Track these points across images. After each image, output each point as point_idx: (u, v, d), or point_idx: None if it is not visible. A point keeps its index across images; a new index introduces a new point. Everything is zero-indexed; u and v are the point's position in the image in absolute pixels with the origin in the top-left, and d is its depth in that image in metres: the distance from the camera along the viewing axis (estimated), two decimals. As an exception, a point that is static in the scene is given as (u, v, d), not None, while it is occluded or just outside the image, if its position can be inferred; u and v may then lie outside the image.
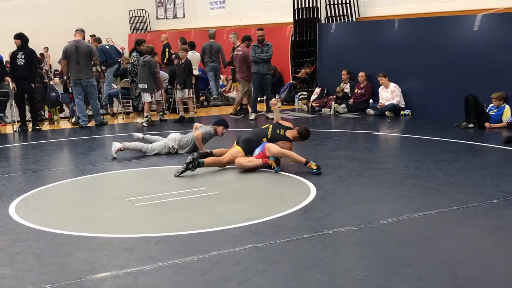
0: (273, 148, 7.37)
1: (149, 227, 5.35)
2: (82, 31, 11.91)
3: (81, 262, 4.52)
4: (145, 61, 11.42)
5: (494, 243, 4.80)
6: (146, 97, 11.55)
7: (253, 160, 7.38)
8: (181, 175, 7.17)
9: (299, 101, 13.63)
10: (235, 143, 7.78)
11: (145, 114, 11.63)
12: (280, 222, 5.35)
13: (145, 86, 11.49)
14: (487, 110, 10.20)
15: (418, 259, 4.42)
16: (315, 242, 4.83)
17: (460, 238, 4.86)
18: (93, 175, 7.50)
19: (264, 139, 7.72)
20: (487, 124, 10.01)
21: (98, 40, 15.24)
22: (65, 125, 12.15)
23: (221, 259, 4.47)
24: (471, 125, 10.06)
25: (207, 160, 7.42)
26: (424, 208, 5.67)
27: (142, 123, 11.68)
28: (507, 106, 10.04)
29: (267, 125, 7.99)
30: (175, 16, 22.77)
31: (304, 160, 7.23)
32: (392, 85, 11.92)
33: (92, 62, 11.65)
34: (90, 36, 20.39)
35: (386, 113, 11.80)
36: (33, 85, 11.16)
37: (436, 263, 4.35)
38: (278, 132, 7.76)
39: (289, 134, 7.73)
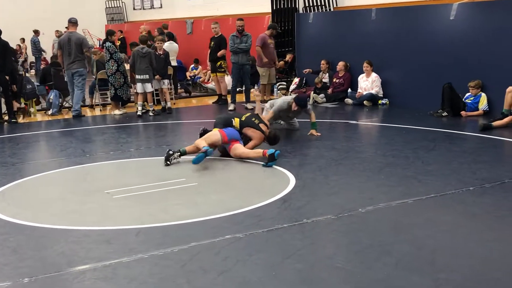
0: (238, 150, 7.38)
1: (128, 219, 5.32)
2: (75, 22, 11.89)
3: (59, 255, 4.49)
4: (144, 53, 11.36)
5: (471, 230, 4.86)
6: (148, 88, 11.49)
7: (257, 151, 7.33)
8: (170, 160, 7.32)
9: (278, 91, 13.63)
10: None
11: (138, 103, 11.59)
12: (259, 212, 5.36)
13: (147, 77, 11.41)
14: (463, 99, 10.30)
15: (396, 247, 4.46)
16: (294, 232, 4.85)
17: (438, 225, 4.92)
18: (70, 168, 7.43)
19: (237, 120, 7.73)
20: (463, 113, 10.11)
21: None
22: (42, 117, 12.02)
23: (201, 250, 4.47)
24: (445, 113, 10.15)
25: (189, 147, 7.53)
26: (402, 196, 5.72)
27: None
28: (483, 94, 10.15)
29: (248, 113, 8.01)
30: (152, 7, 22.58)
31: (261, 152, 7.22)
32: (374, 75, 11.98)
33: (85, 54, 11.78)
34: (66, 28, 20.15)
35: (365, 102, 11.85)
36: (7, 77, 10.99)
37: (414, 250, 4.39)
38: (253, 119, 7.77)
39: (263, 127, 7.73)
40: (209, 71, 15.14)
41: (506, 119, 9.12)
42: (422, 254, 4.33)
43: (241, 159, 7.39)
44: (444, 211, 5.32)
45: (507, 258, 4.22)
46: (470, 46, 10.46)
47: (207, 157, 7.33)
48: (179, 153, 7.47)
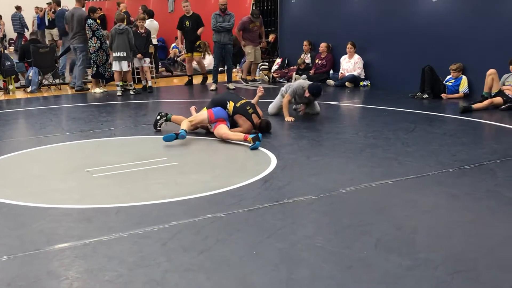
0: (220, 130, 7.36)
1: (108, 198, 5.30)
2: None
3: (38, 233, 4.45)
4: (121, 29, 11.19)
5: (450, 211, 4.91)
6: (124, 66, 11.32)
7: (237, 135, 7.30)
8: (159, 125, 7.89)
9: (260, 72, 13.59)
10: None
11: (116, 83, 11.45)
12: (240, 192, 5.36)
13: (124, 54, 11.25)
14: (444, 81, 10.36)
15: (376, 227, 4.49)
16: (275, 211, 4.86)
17: (417, 206, 4.96)
18: (50, 146, 7.36)
19: (232, 104, 7.69)
20: (444, 95, 10.18)
21: (58, 3, 14.88)
22: (21, 95, 11.86)
23: (182, 229, 4.46)
24: (425, 96, 10.21)
25: (175, 116, 8.02)
26: (382, 177, 5.76)
27: (101, 92, 11.53)
28: (464, 77, 10.22)
29: (245, 99, 7.96)
30: (133, -16, 22.25)
31: (242, 136, 7.21)
32: (356, 56, 11.98)
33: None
34: (47, 4, 19.87)
35: (346, 84, 11.87)
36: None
37: (393, 230, 4.43)
38: (247, 108, 7.73)
39: (254, 118, 7.68)
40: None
41: (486, 102, 9.20)
42: (401, 234, 4.37)
43: (223, 139, 7.37)
44: (423, 192, 5.36)
45: (485, 239, 4.27)
46: (451, 28, 10.50)
47: (188, 136, 7.31)
48: (165, 118, 7.99)
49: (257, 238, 4.29)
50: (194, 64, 14.45)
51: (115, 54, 11.26)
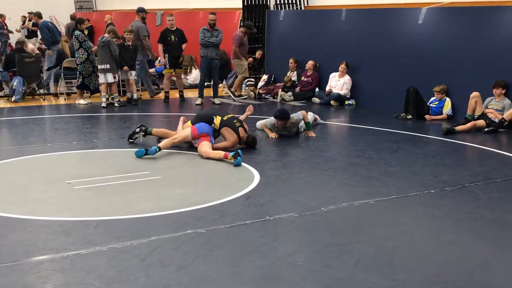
0: (202, 148, 7.32)
1: (88, 211, 5.25)
2: (138, 12, 12.50)
3: (16, 245, 4.40)
4: (103, 41, 11.17)
5: (430, 232, 4.92)
6: (109, 78, 11.27)
7: (218, 153, 7.27)
8: (134, 138, 7.87)
9: (246, 88, 13.61)
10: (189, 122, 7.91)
11: (102, 94, 11.39)
12: (222, 208, 5.34)
13: (107, 66, 11.20)
14: (428, 103, 10.44)
15: (357, 246, 4.49)
16: (256, 228, 4.85)
17: (398, 226, 4.97)
18: (32, 156, 7.29)
19: (219, 118, 7.68)
20: (427, 116, 10.25)
21: (39, 15, 14.82)
22: (5, 104, 11.77)
23: (161, 244, 4.43)
24: (409, 116, 10.28)
25: (156, 130, 8.01)
26: (364, 196, 5.77)
27: (86, 104, 11.48)
28: (448, 99, 10.31)
29: (231, 114, 7.96)
30: (122, -4, 22.29)
31: (222, 154, 7.18)
32: (347, 77, 12.05)
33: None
34: (28, 13, 19.84)
35: (331, 102, 11.92)
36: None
37: (374, 250, 4.43)
38: (234, 121, 7.73)
39: (241, 132, 7.67)
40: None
41: (469, 124, 9.28)
42: (381, 254, 4.38)
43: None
44: (404, 213, 5.38)
45: (464, 261, 4.29)
46: (436, 50, 10.60)
47: (172, 151, 7.29)
48: (143, 134, 7.96)
49: (237, 255, 4.27)
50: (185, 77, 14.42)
51: (99, 67, 11.24)
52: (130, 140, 7.90)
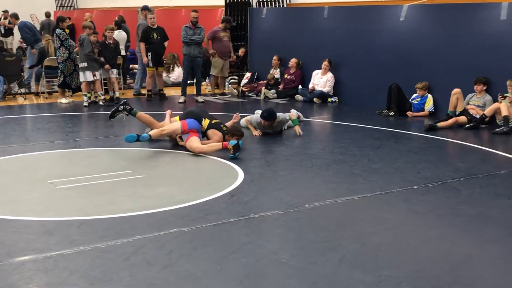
0: (193, 143, 7.28)
1: (71, 210, 5.21)
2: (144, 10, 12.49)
3: (-2, 246, 4.35)
4: (79, 40, 11.12)
5: (414, 228, 4.96)
6: (88, 76, 11.18)
7: (213, 145, 7.28)
8: (115, 116, 7.53)
9: (229, 85, 13.60)
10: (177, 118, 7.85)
11: (83, 93, 11.33)
12: (207, 206, 5.33)
13: (84, 64, 11.13)
14: (410, 99, 10.50)
15: (341, 243, 4.51)
16: (241, 226, 4.84)
17: (382, 223, 5.00)
18: (13, 156, 7.22)
19: (207, 121, 7.69)
20: (409, 113, 10.32)
21: (16, 16, 14.68)
22: (-15, 103, 11.64)
23: (146, 243, 4.41)
24: (391, 113, 10.34)
25: (141, 113, 7.73)
26: (348, 193, 5.79)
27: (67, 103, 11.39)
28: (429, 96, 10.38)
29: (219, 120, 7.94)
30: (103, -6, 22.14)
31: (220, 145, 7.20)
32: (330, 74, 12.08)
33: None
34: (3, 11, 19.61)
35: (314, 99, 11.95)
36: None
37: (358, 247, 4.45)
38: (221, 126, 7.72)
39: (226, 137, 7.61)
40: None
41: (450, 120, 9.35)
42: (366, 250, 4.40)
43: (192, 152, 7.31)
44: (388, 209, 5.41)
45: (448, 256, 4.32)
46: (418, 47, 10.67)
47: (155, 148, 7.26)
48: (127, 113, 7.60)
49: (222, 253, 4.27)
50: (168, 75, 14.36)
51: (80, 65, 11.19)
52: (111, 118, 7.57)
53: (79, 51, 11.17)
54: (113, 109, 7.62)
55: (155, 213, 5.12)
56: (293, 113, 9.40)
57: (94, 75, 11.23)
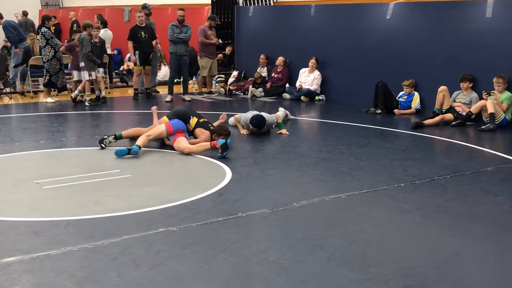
0: (181, 144, 7.28)
1: (58, 211, 5.17)
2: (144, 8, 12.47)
3: (-17, 247, 4.31)
4: (79, 39, 11.10)
5: (401, 225, 4.98)
6: (85, 76, 11.16)
7: (202, 145, 7.26)
8: (105, 143, 7.46)
9: (216, 84, 13.57)
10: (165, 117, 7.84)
11: (79, 89, 11.35)
12: (194, 205, 5.31)
13: (82, 64, 11.11)
14: (397, 97, 10.54)
15: (329, 241, 4.51)
16: (229, 225, 4.83)
17: (369, 220, 5.01)
18: (-2, 156, 7.16)
19: (195, 120, 7.68)
20: (396, 111, 10.36)
21: (0, 15, 14.56)
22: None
23: (133, 243, 4.39)
24: (378, 111, 10.38)
25: (125, 132, 7.77)
26: (336, 191, 5.80)
27: (53, 102, 11.32)
28: (416, 93, 10.43)
29: (207, 119, 7.91)
30: (89, -7, 22.00)
31: (208, 144, 7.20)
32: (317, 72, 12.10)
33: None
34: None
35: (302, 98, 11.97)
36: None
37: (346, 244, 4.46)
38: (209, 125, 7.72)
39: (214, 137, 7.57)
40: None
41: (437, 118, 9.41)
42: (354, 248, 4.40)
43: (179, 152, 7.30)
44: (375, 207, 5.42)
45: (435, 253, 4.34)
46: (404, 45, 10.72)
47: (142, 148, 7.22)
48: (113, 136, 7.58)
49: (210, 252, 4.25)
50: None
51: (80, 64, 11.28)
52: (102, 145, 7.46)
53: (79, 50, 11.14)
54: (100, 138, 7.58)
55: (143, 213, 5.09)
56: (281, 111, 9.40)
57: (90, 75, 11.19)
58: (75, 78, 11.22)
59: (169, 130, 7.44)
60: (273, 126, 8.85)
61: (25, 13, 18.33)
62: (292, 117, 9.88)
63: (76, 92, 11.34)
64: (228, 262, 4.09)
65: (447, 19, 10.16)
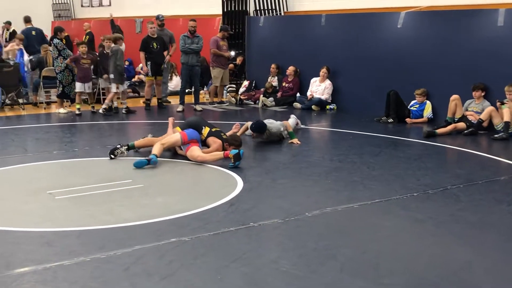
0: (194, 152, 7.31)
1: (70, 221, 5.18)
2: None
3: (-3, 257, 4.33)
4: (111, 51, 11.23)
5: (414, 235, 4.94)
6: (113, 88, 11.35)
7: (215, 154, 7.29)
8: (116, 154, 7.48)
9: (227, 94, 13.61)
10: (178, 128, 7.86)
11: (106, 102, 11.53)
12: (206, 215, 5.31)
13: (112, 76, 11.26)
14: (409, 106, 10.51)
15: (341, 251, 4.49)
16: (240, 235, 4.83)
17: (382, 230, 4.98)
18: (12, 167, 7.20)
19: (207, 129, 7.71)
20: (408, 120, 10.32)
21: (27, 20, 14.87)
22: (-17, 114, 11.63)
23: (145, 253, 4.39)
24: (390, 120, 10.34)
25: (138, 142, 7.76)
26: (348, 200, 5.78)
27: (66, 113, 11.41)
28: (428, 102, 10.39)
29: (219, 128, 7.95)
30: (100, 4, 22.20)
31: (222, 154, 7.21)
32: (328, 82, 12.10)
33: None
34: (5, 23, 19.72)
35: (313, 107, 11.96)
36: None
37: (358, 255, 4.44)
38: (221, 134, 7.74)
39: (226, 146, 7.58)
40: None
41: (449, 127, 9.36)
42: (366, 258, 4.38)
43: (191, 161, 7.31)
44: (388, 216, 5.39)
45: (448, 263, 4.31)
46: (416, 54, 10.69)
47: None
48: (126, 147, 7.59)
49: (222, 262, 4.25)
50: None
51: (110, 76, 11.45)
52: (112, 156, 7.48)
53: (110, 61, 11.27)
54: (112, 148, 7.61)
55: (154, 223, 5.10)
56: (292, 119, 9.40)
57: (117, 87, 11.37)
58: (77, 90, 11.31)
59: (184, 139, 7.47)
60: (286, 136, 8.82)
61: (27, 19, 18.54)
62: (302, 126, 9.87)
63: (105, 105, 11.50)
64: (240, 272, 4.08)
65: (458, 27, 10.13)
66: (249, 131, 8.78)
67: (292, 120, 9.48)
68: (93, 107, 11.66)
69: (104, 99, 12.14)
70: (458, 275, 4.10)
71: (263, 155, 7.94)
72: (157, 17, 12.77)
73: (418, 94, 10.39)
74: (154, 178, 6.73)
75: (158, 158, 7.17)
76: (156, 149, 7.29)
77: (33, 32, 14.57)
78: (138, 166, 6.99)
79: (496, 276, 4.12)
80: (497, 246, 4.68)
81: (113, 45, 11.36)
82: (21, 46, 13.32)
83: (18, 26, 17.35)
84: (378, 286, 3.88)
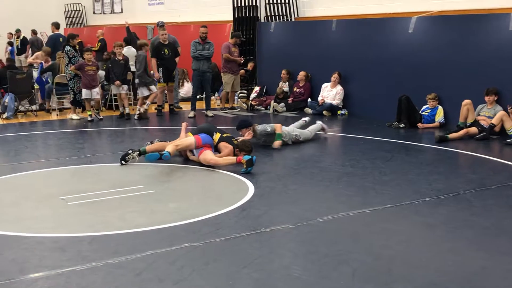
0: (207, 156, 7.35)
1: (83, 227, 5.21)
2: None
3: (10, 263, 4.36)
4: (136, 56, 11.63)
5: (426, 240, 4.92)
6: (144, 91, 11.77)
7: (228, 159, 7.33)
8: (127, 159, 7.52)
9: (239, 99, 13.63)
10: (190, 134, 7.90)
11: (137, 107, 11.84)
12: (217, 221, 5.32)
13: (137, 81, 11.73)
14: (420, 111, 10.47)
15: (353, 256, 4.48)
16: (252, 241, 4.83)
17: (394, 236, 4.97)
18: (25, 173, 7.26)
19: (218, 135, 7.75)
20: (420, 124, 10.28)
21: (56, 25, 15.18)
22: (-4, 121, 11.73)
23: (157, 259, 4.40)
24: (402, 125, 10.31)
25: (149, 147, 7.72)
26: (360, 206, 5.76)
27: (78, 119, 11.48)
28: (440, 107, 10.34)
29: (230, 134, 8.00)
30: (112, 11, 22.36)
31: (234, 159, 7.23)
32: (339, 87, 12.09)
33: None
34: (16, 31, 19.96)
35: (324, 112, 11.95)
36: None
37: (371, 260, 4.42)
38: (233, 139, 7.79)
39: (237, 151, 7.61)
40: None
41: (461, 132, 9.31)
42: (379, 264, 4.37)
43: (203, 166, 7.33)
44: (400, 222, 5.37)
45: (461, 268, 4.28)
46: (427, 59, 10.66)
47: (166, 164, 7.27)
48: (138, 152, 7.60)
49: (233, 268, 4.25)
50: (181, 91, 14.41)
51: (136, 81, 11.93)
52: (123, 162, 7.51)
53: (137, 66, 11.73)
54: (123, 153, 7.64)
55: (166, 228, 5.12)
56: (317, 124, 9.45)
57: (149, 90, 11.79)
58: (84, 97, 11.38)
59: (198, 143, 7.50)
60: (301, 139, 8.90)
61: (34, 32, 18.96)
62: (328, 129, 9.84)
63: (142, 109, 11.71)
64: (251, 278, 4.08)
65: (469, 32, 10.09)
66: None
67: (316, 125, 9.52)
68: (97, 113, 11.71)
69: (116, 105, 12.21)
70: (472, 280, 4.08)
71: (274, 160, 7.95)
72: (158, 24, 12.80)
73: (430, 99, 10.35)
74: (165, 184, 6.75)
75: (165, 165, 7.20)
76: (169, 148, 7.34)
77: (61, 39, 14.79)
78: (150, 159, 7.12)
79: (510, 281, 4.08)
80: (511, 251, 4.64)
81: (139, 51, 11.89)
82: (49, 60, 13.33)
83: (28, 33, 17.54)
84: (391, 292, 3.87)
